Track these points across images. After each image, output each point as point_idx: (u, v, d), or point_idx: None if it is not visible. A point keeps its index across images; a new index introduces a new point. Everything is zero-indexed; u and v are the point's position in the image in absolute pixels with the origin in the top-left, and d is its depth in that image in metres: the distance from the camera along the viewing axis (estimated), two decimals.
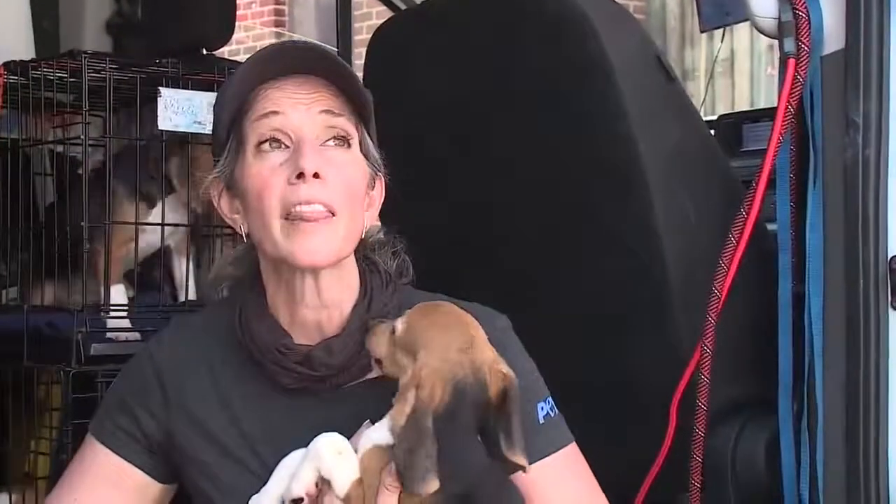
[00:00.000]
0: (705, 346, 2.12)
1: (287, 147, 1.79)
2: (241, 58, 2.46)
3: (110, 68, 2.55)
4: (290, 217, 1.76)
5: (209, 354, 1.92)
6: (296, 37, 10.05)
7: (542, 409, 1.86)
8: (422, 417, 1.62)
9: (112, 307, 2.56)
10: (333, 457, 1.66)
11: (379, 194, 1.91)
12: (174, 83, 2.59)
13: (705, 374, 2.12)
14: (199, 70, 2.68)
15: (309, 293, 1.83)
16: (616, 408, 2.27)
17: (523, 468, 1.69)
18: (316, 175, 1.75)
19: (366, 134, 1.86)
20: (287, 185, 1.76)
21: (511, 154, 2.36)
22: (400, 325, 1.72)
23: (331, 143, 1.81)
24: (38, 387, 2.61)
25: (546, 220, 2.36)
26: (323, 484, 1.67)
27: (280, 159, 1.78)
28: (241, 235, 1.86)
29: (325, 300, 1.84)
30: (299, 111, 1.79)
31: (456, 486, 1.64)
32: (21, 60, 2.66)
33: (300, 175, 1.75)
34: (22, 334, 2.53)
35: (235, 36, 3.12)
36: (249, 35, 10.04)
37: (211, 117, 2.56)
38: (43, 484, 2.59)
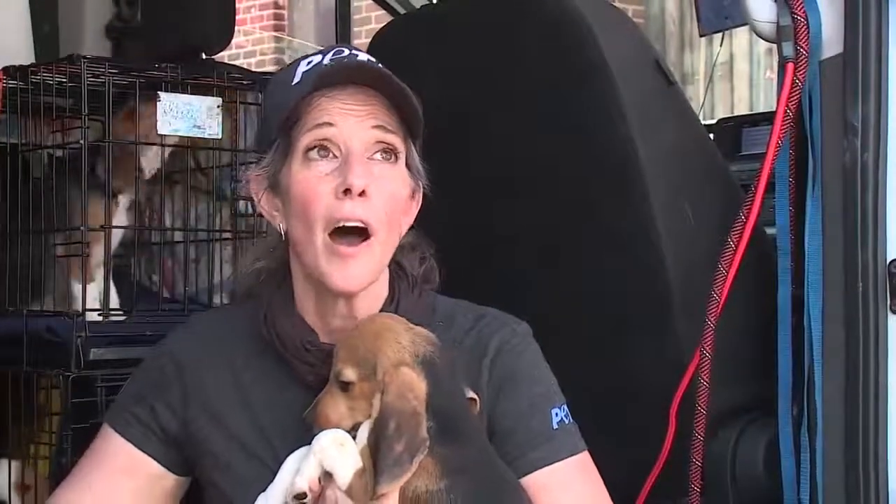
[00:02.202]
0: (704, 349, 2.12)
1: (335, 157, 1.81)
2: (241, 62, 2.47)
3: (109, 73, 2.56)
4: (332, 237, 1.79)
5: (230, 350, 1.93)
6: (295, 42, 10.07)
7: (557, 415, 1.88)
8: (383, 422, 1.66)
9: (112, 310, 2.57)
10: (336, 449, 1.68)
11: (416, 203, 1.93)
12: (173, 88, 2.59)
13: (705, 377, 2.13)
14: (199, 75, 2.68)
15: (340, 307, 1.86)
16: (616, 410, 2.27)
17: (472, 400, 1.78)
18: (362, 193, 1.78)
19: (412, 147, 1.88)
20: (333, 197, 1.79)
21: (511, 155, 2.37)
22: (346, 372, 1.73)
23: (378, 156, 1.83)
24: (37, 391, 2.61)
25: (546, 220, 2.36)
26: (326, 478, 1.69)
27: (327, 168, 1.81)
28: (280, 233, 1.88)
29: (354, 312, 1.86)
30: (350, 123, 1.80)
31: (458, 461, 1.68)
32: (21, 65, 2.66)
33: (347, 191, 1.78)
34: (21, 339, 2.53)
35: (234, 40, 3.13)
36: (248, 39, 10.05)
37: (210, 122, 2.59)
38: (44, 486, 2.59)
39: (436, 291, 1.98)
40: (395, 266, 1.93)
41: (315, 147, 1.81)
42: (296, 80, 1.84)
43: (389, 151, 1.83)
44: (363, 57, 1.87)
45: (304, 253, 1.83)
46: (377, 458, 1.64)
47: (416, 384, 1.69)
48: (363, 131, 1.81)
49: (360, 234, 1.80)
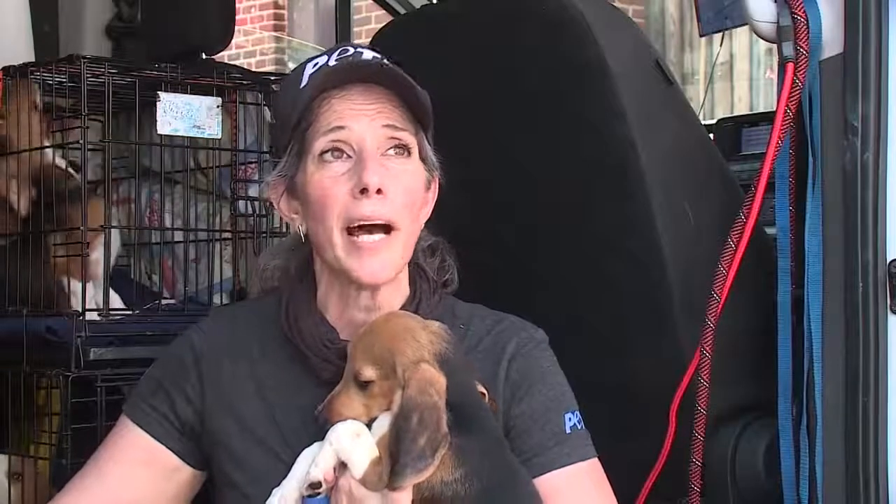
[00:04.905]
0: (704, 349, 2.12)
1: (349, 157, 1.83)
2: (241, 62, 2.48)
3: (109, 73, 2.56)
4: (351, 232, 1.81)
5: (249, 343, 1.94)
6: (295, 42, 10.07)
7: (570, 420, 1.90)
8: (405, 417, 1.67)
9: (112, 310, 2.57)
10: (351, 439, 1.70)
11: (433, 194, 1.95)
12: (173, 87, 2.60)
13: (705, 377, 2.13)
14: (199, 74, 2.68)
15: (364, 298, 1.88)
16: (616, 410, 2.26)
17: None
18: (379, 191, 1.80)
19: (424, 139, 1.89)
20: (350, 198, 1.81)
21: (510, 155, 2.37)
22: (366, 371, 1.74)
23: (391, 152, 1.84)
24: (37, 391, 2.61)
25: (546, 220, 2.36)
26: (341, 468, 1.70)
27: (342, 169, 1.82)
28: (301, 235, 1.90)
29: (377, 304, 1.88)
30: (362, 123, 1.82)
31: (473, 451, 1.70)
32: (21, 65, 2.66)
33: (363, 190, 1.79)
34: (21, 339, 2.53)
35: (234, 40, 3.13)
36: (248, 39, 10.05)
37: (210, 122, 2.59)
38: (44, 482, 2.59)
39: (455, 296, 2.00)
40: (416, 267, 1.95)
41: (329, 149, 1.83)
42: (303, 82, 1.86)
43: (402, 147, 1.85)
44: (368, 54, 1.88)
45: (325, 251, 1.85)
46: (399, 453, 1.65)
47: (436, 379, 1.71)
48: (375, 130, 1.82)
49: (382, 228, 1.82)
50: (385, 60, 1.88)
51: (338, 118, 1.82)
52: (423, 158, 1.89)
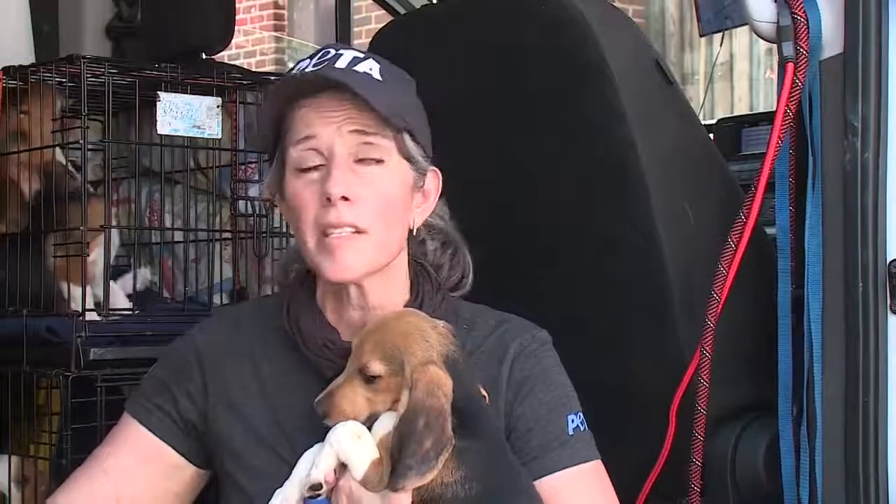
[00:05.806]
0: (704, 349, 2.12)
1: (323, 165, 1.84)
2: (241, 62, 2.49)
3: (109, 73, 2.56)
4: (323, 234, 1.82)
5: (251, 343, 1.95)
6: (295, 42, 10.07)
7: (573, 421, 1.90)
8: (411, 419, 1.67)
9: (112, 310, 2.57)
10: (351, 441, 1.70)
11: (435, 188, 1.95)
12: (173, 87, 2.60)
13: (705, 377, 2.13)
14: (199, 74, 2.68)
15: (354, 298, 1.89)
16: (616, 410, 2.26)
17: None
18: (344, 198, 1.80)
19: (406, 139, 1.87)
20: (319, 205, 1.82)
21: (510, 155, 2.37)
22: (374, 366, 1.74)
23: (366, 156, 1.84)
24: (37, 391, 2.61)
25: (546, 220, 2.36)
26: (341, 470, 1.71)
27: (314, 177, 1.84)
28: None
29: (370, 303, 1.89)
30: (330, 130, 1.83)
31: (474, 453, 1.71)
32: (20, 65, 2.66)
33: (329, 198, 1.80)
34: (21, 339, 2.53)
35: (234, 40, 3.13)
36: (249, 39, 10.05)
37: (209, 122, 2.60)
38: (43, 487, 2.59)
39: (465, 298, 2.00)
40: (419, 268, 1.95)
41: (302, 158, 1.84)
42: (281, 90, 1.88)
43: (375, 150, 1.84)
44: (347, 56, 1.86)
45: (304, 251, 1.87)
46: (403, 455, 1.65)
47: (444, 382, 1.71)
48: (343, 137, 1.83)
49: (351, 229, 1.82)
50: (367, 62, 1.86)
51: (308, 127, 1.83)
52: (407, 158, 1.88)
